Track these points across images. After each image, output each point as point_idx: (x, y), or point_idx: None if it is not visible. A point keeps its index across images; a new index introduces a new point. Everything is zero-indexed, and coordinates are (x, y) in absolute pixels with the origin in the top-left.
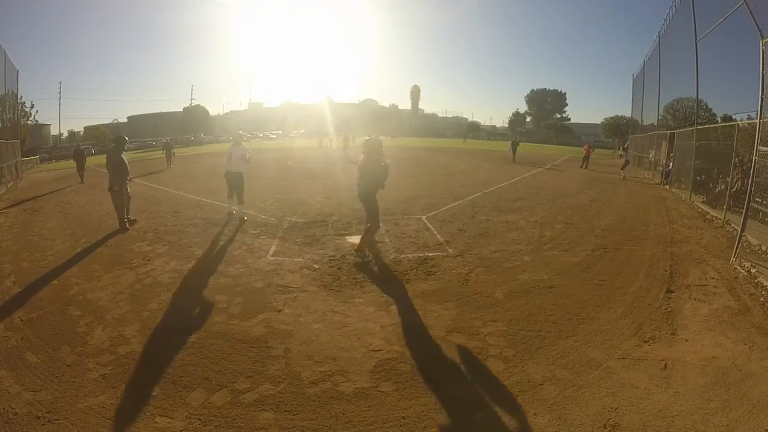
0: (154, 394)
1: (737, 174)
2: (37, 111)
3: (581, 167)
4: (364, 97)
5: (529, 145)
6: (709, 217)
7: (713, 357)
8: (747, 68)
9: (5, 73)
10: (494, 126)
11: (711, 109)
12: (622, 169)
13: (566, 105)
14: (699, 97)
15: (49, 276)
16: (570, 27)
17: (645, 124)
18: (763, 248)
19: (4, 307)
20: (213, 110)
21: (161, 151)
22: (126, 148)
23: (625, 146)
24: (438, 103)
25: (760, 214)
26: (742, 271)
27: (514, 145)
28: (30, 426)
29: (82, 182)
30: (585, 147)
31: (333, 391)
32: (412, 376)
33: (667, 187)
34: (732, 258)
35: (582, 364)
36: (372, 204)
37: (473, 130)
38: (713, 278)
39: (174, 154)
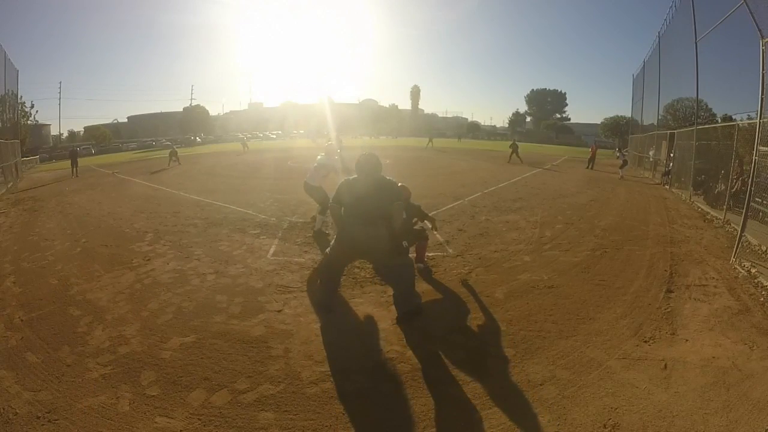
0: (154, 394)
1: (736, 174)
2: (37, 111)
3: (587, 168)
4: (364, 97)
5: (529, 145)
6: (709, 217)
7: (713, 357)
8: (747, 68)
9: (5, 73)
10: (494, 126)
11: (711, 109)
12: (620, 168)
13: (566, 105)
14: (699, 97)
15: (49, 276)
16: (570, 27)
17: (645, 124)
18: (763, 248)
19: (4, 307)
20: (213, 110)
21: (167, 153)
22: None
23: (624, 147)
24: (438, 103)
25: (760, 214)
26: (742, 271)
27: (514, 147)
28: (30, 426)
29: (76, 176)
30: (592, 147)
31: (333, 391)
32: (412, 376)
33: (667, 187)
34: (732, 258)
35: (582, 364)
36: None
37: (473, 130)
38: (713, 278)
39: (176, 155)
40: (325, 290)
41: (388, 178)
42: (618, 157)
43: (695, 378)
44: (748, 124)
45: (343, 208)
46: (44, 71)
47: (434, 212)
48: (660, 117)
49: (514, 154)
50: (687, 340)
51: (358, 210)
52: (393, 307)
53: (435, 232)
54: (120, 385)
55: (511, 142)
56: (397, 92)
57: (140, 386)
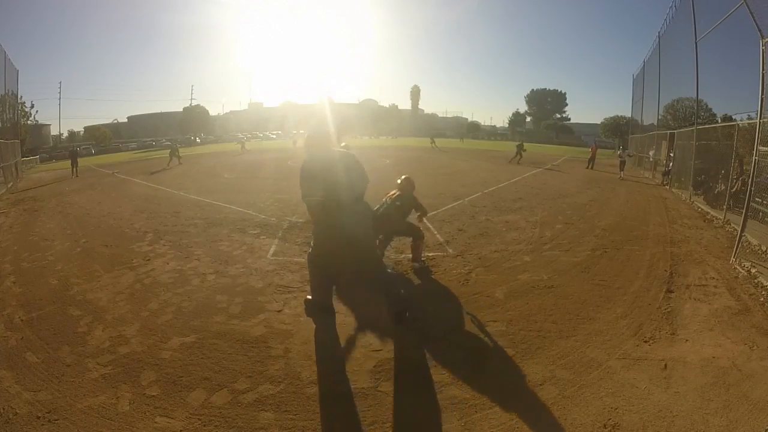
0: (154, 394)
1: (736, 174)
2: (37, 111)
3: (587, 168)
4: (364, 97)
5: (529, 145)
6: (709, 217)
7: (713, 357)
8: (747, 68)
9: (5, 73)
10: (494, 126)
11: (711, 109)
12: (620, 170)
13: (566, 105)
14: (699, 97)
15: (49, 276)
16: (570, 27)
17: (645, 124)
18: (763, 248)
19: (4, 307)
20: (213, 110)
21: (168, 153)
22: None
23: (622, 145)
24: (438, 103)
25: (760, 214)
26: (742, 271)
27: (519, 147)
28: (30, 426)
29: (76, 176)
30: (592, 147)
31: (333, 391)
32: (412, 376)
33: (667, 187)
34: (732, 258)
35: (582, 364)
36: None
37: (473, 130)
38: (713, 278)
39: (178, 154)
40: (319, 293)
41: (342, 151)
42: (619, 156)
43: (695, 378)
44: (748, 124)
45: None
46: (44, 71)
47: (434, 212)
48: (660, 117)
49: (519, 155)
50: (687, 340)
51: (334, 197)
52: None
53: (425, 221)
54: (120, 385)
55: (518, 143)
56: (397, 92)
57: (140, 386)
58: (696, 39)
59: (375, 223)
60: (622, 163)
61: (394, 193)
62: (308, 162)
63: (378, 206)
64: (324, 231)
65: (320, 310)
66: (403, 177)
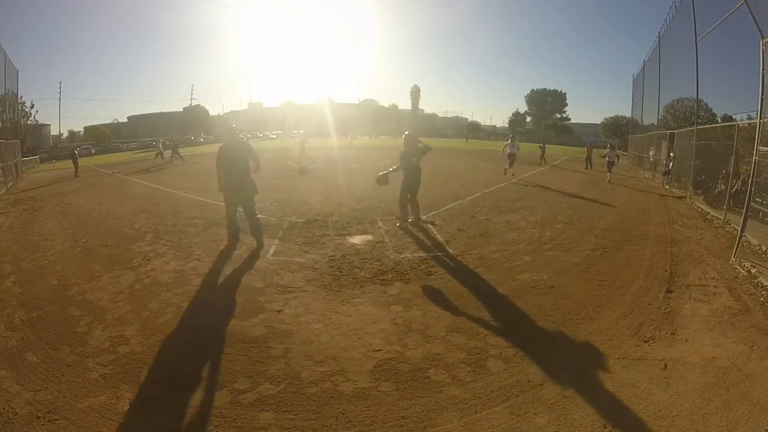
0: (154, 394)
1: (736, 174)
2: (37, 111)
3: (586, 168)
4: (364, 97)
5: (530, 145)
6: (709, 217)
7: (713, 357)
8: (747, 68)
9: (5, 73)
10: (494, 126)
11: (711, 109)
12: (608, 171)
13: (566, 105)
14: (699, 97)
15: (49, 276)
16: (570, 27)
17: (645, 124)
18: (763, 248)
19: (4, 307)
20: (213, 110)
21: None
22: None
23: (612, 144)
24: (438, 103)
25: (760, 214)
26: (742, 271)
27: (543, 148)
28: (30, 426)
29: (77, 176)
30: (588, 147)
31: (333, 391)
32: (412, 376)
33: (667, 187)
34: (732, 258)
35: (582, 364)
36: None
37: (473, 130)
38: (713, 278)
39: (174, 152)
40: (229, 229)
41: (243, 139)
42: (605, 156)
43: (695, 378)
44: (748, 124)
45: (223, 166)
46: (44, 71)
47: (434, 212)
48: (660, 117)
49: (542, 157)
50: (687, 340)
51: (232, 166)
52: (393, 307)
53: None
54: (120, 385)
55: (540, 144)
56: (397, 92)
57: (140, 386)
58: (696, 39)
59: (412, 179)
60: (610, 164)
61: (403, 148)
62: (223, 145)
63: (399, 163)
64: (227, 182)
65: (231, 233)
66: (405, 132)
